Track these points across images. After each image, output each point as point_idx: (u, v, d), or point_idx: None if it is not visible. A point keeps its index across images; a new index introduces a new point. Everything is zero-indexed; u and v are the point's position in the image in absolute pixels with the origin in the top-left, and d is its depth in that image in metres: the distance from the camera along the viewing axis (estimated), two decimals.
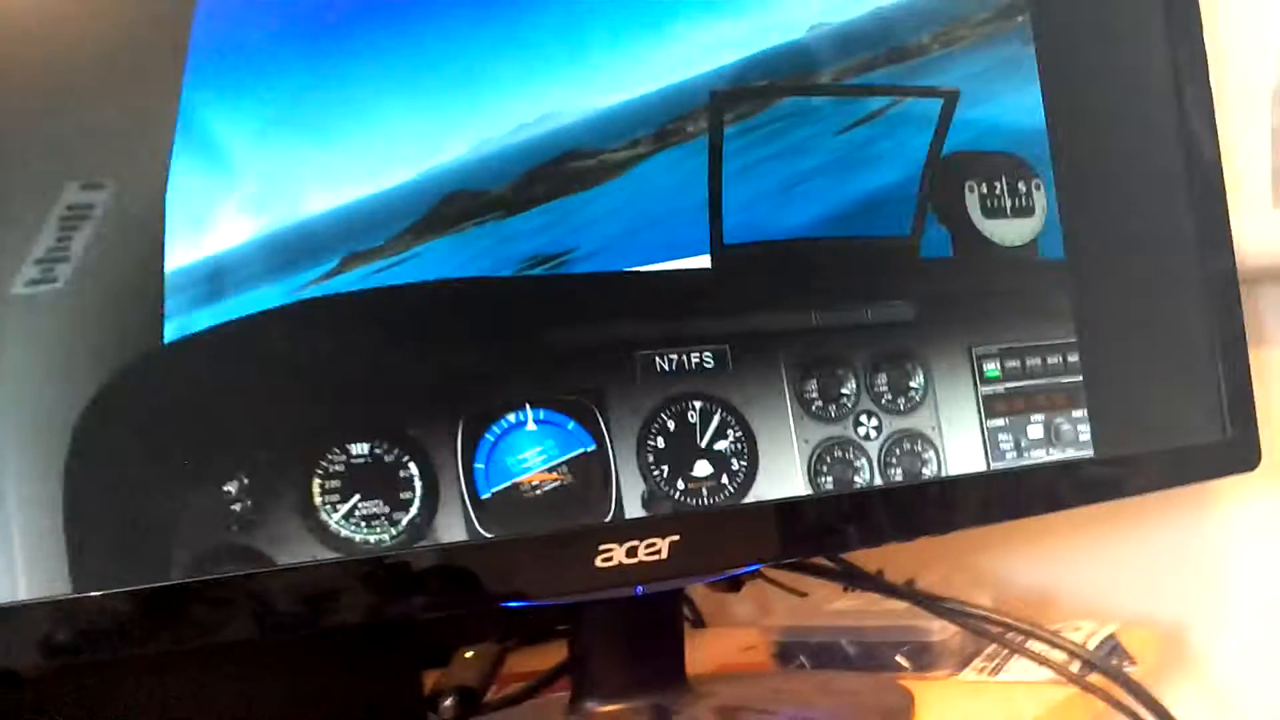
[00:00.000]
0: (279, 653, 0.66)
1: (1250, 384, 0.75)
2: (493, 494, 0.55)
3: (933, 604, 0.73)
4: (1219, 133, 0.77)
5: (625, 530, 0.58)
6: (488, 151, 0.56)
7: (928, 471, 0.65)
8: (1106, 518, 0.85)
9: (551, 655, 0.76)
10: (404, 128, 0.55)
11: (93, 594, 0.49)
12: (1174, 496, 0.83)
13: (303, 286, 0.52)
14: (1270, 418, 0.79)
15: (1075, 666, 0.69)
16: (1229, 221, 0.76)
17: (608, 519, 0.58)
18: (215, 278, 0.51)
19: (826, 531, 0.64)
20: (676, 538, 0.59)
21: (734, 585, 0.77)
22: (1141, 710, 0.69)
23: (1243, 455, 0.75)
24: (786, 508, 0.62)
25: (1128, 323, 0.72)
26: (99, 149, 0.50)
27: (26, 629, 0.48)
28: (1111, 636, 0.75)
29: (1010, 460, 0.67)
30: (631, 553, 0.58)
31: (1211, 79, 0.77)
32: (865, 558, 0.76)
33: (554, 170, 0.57)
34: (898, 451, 0.64)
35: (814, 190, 0.63)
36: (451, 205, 0.55)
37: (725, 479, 0.60)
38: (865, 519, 0.64)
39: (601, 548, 0.57)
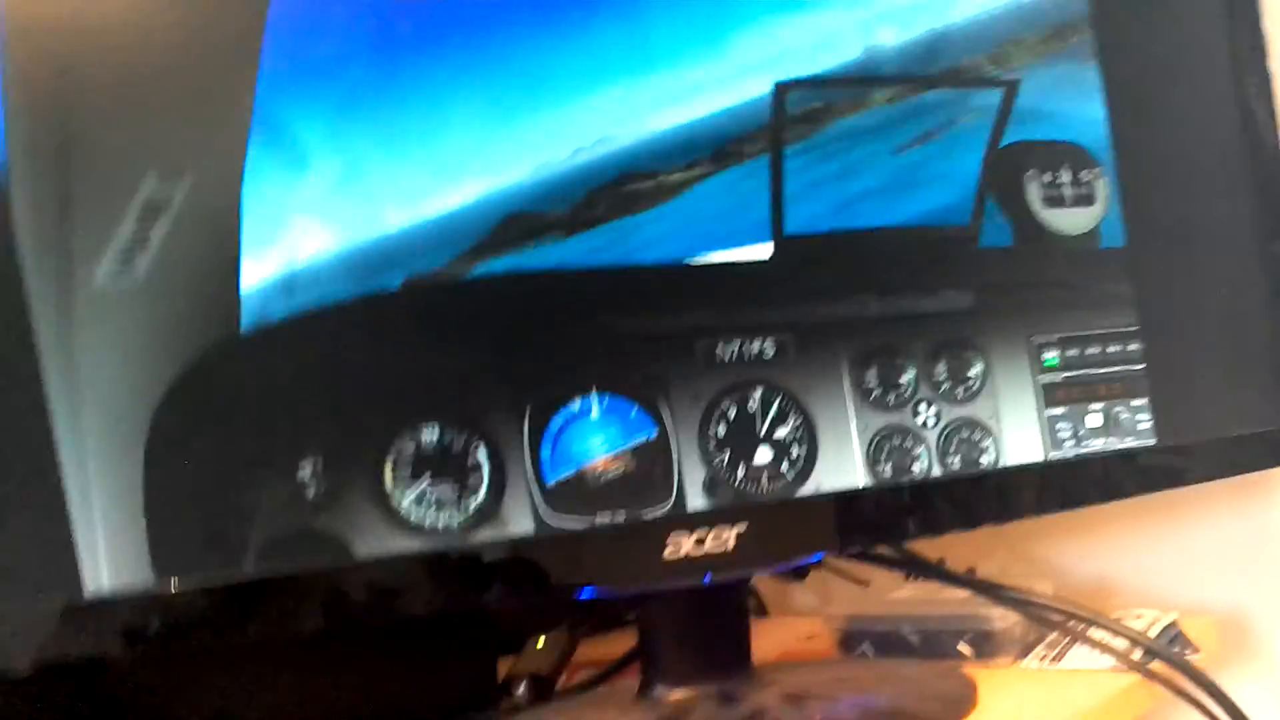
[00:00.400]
0: (354, 641, 0.67)
1: None
2: (558, 480, 0.57)
3: (994, 592, 0.73)
4: None
5: (693, 521, 0.59)
6: (546, 175, 0.57)
7: (985, 460, 0.66)
8: (1165, 506, 0.85)
9: (621, 643, 0.77)
10: (467, 147, 0.56)
11: (177, 588, 0.50)
12: (1233, 484, 0.83)
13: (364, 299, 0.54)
14: None
15: (1137, 654, 0.69)
16: None
17: (669, 505, 0.59)
18: (287, 285, 0.53)
19: (888, 521, 0.65)
20: (743, 528, 0.60)
21: (798, 574, 0.78)
22: (1204, 698, 0.69)
23: None
24: (849, 498, 0.63)
25: (1189, 311, 0.72)
26: (177, 144, 0.52)
27: (113, 620, 0.50)
28: (1173, 625, 0.75)
29: (1068, 449, 0.68)
30: (699, 543, 0.59)
31: (1272, 65, 0.77)
32: (926, 547, 0.76)
33: (612, 192, 0.58)
34: (956, 440, 0.65)
35: (873, 201, 0.64)
36: (511, 227, 0.57)
37: (785, 466, 0.62)
38: (926, 509, 0.65)
39: (670, 539, 0.59)
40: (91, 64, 0.50)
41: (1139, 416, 0.70)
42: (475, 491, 0.55)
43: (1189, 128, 0.74)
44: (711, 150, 0.61)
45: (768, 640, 0.81)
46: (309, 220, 0.53)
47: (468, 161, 0.56)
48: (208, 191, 0.52)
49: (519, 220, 0.57)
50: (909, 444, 0.64)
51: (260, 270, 0.52)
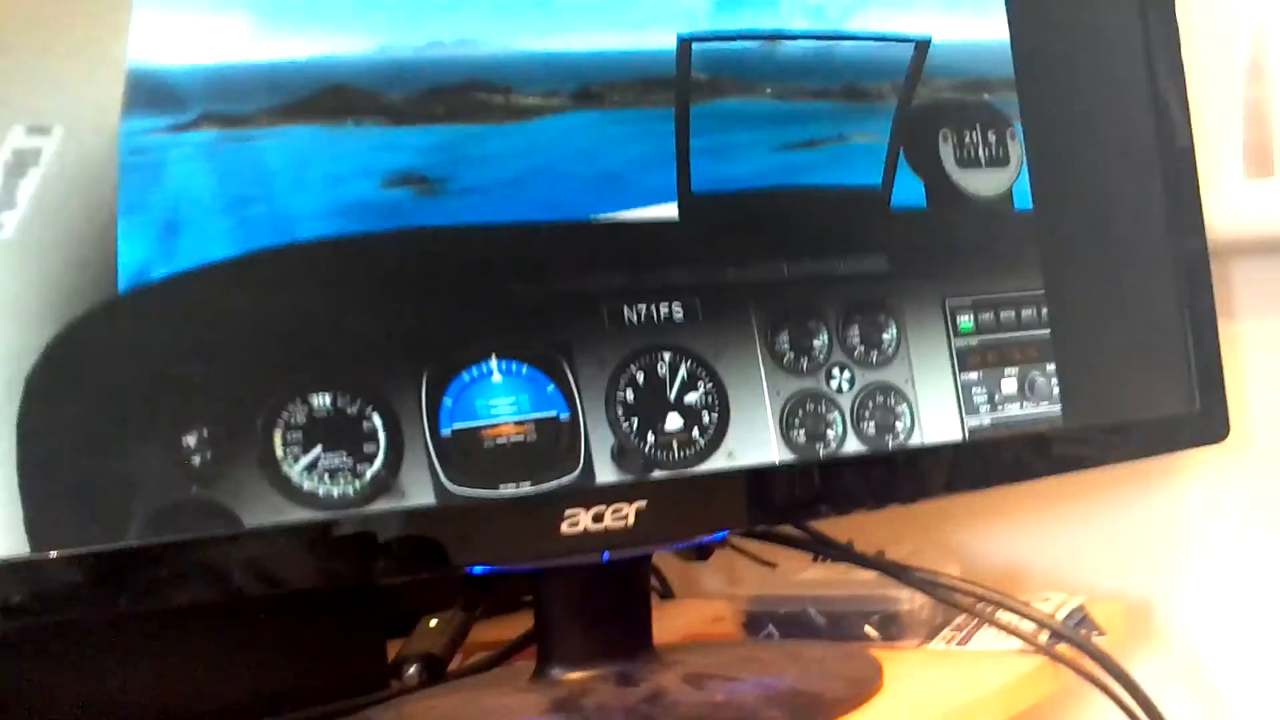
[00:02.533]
0: (239, 621, 0.66)
1: (1219, 356, 0.75)
2: (456, 440, 0.55)
3: (902, 573, 0.72)
4: (1192, 106, 0.76)
5: (592, 495, 0.57)
6: (393, 56, 0.54)
7: (900, 425, 0.65)
8: (1074, 492, 0.86)
9: (517, 626, 0.75)
10: (316, 12, 0.53)
11: (49, 555, 0.48)
12: (1141, 470, 0.83)
13: (152, 133, 0.50)
14: (1239, 390, 0.79)
15: (1043, 637, 0.69)
16: (1200, 194, 0.76)
17: (576, 473, 0.57)
18: (167, 242, 0.50)
19: (796, 499, 0.63)
20: (644, 504, 0.58)
21: (702, 554, 0.76)
22: (1109, 680, 0.69)
23: (1211, 427, 0.75)
24: (755, 475, 0.61)
25: (1096, 290, 0.72)
26: (45, 95, 0.49)
27: None
28: (1079, 608, 0.75)
29: (984, 414, 0.67)
30: (598, 518, 0.58)
31: (1185, 52, 0.77)
32: (835, 530, 0.76)
33: (457, 96, 0.56)
34: (870, 405, 0.64)
35: (782, 160, 0.63)
36: (334, 98, 0.54)
37: (696, 432, 0.60)
38: (834, 487, 0.64)
39: (568, 513, 0.57)
40: None
41: (1053, 382, 0.69)
42: (371, 460, 0.53)
43: (1101, 114, 0.74)
44: (576, 86, 0.58)
45: (672, 623, 0.80)
46: (189, 172, 0.50)
47: (304, 22, 0.53)
48: (81, 145, 0.49)
49: (345, 92, 0.54)
50: (823, 409, 0.63)
51: (138, 227, 0.50)
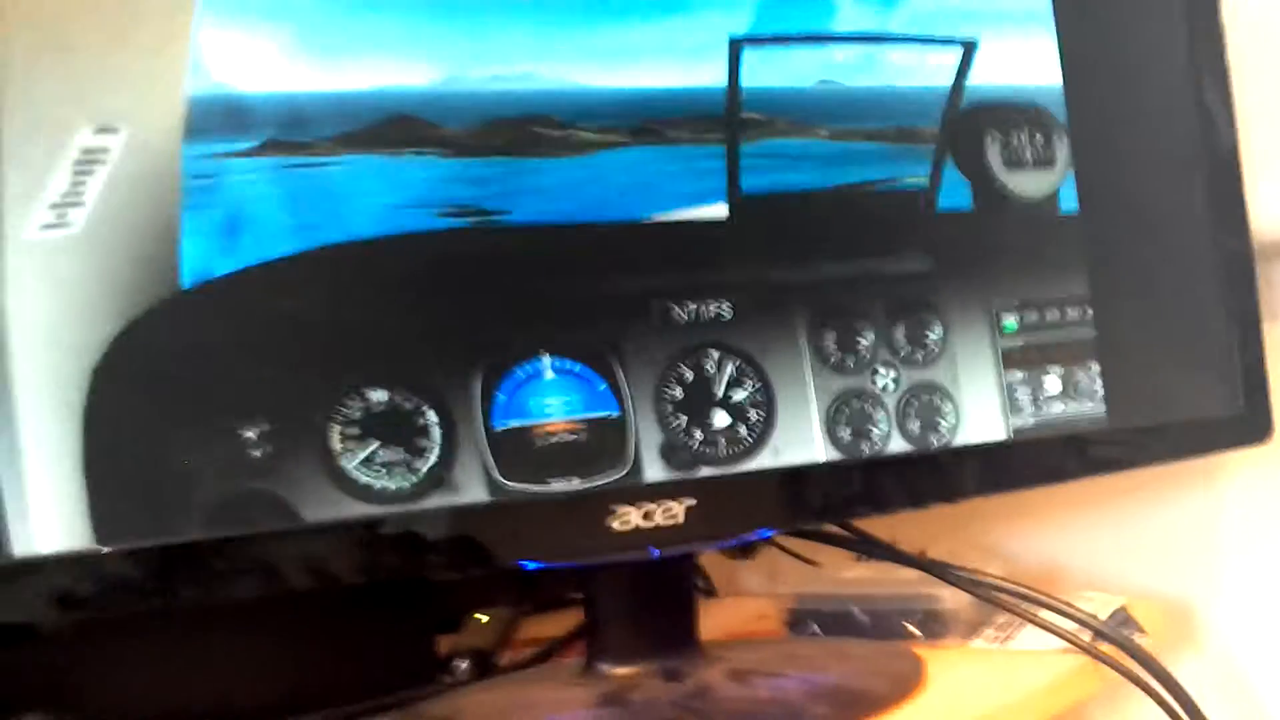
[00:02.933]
0: (290, 618, 0.66)
1: (1264, 357, 0.75)
2: (509, 436, 0.56)
3: (944, 572, 0.73)
4: (1238, 108, 0.76)
5: (642, 493, 0.58)
6: (455, 89, 0.55)
7: (944, 424, 0.65)
8: (1114, 492, 0.85)
9: (565, 623, 0.76)
10: (381, 42, 0.54)
11: (108, 550, 0.49)
12: (1183, 471, 0.83)
13: (214, 156, 0.51)
14: None
15: (1085, 636, 0.69)
16: (1245, 196, 0.76)
17: (625, 469, 0.58)
18: (230, 240, 0.51)
19: (840, 498, 0.64)
20: (692, 502, 0.59)
21: (747, 552, 0.77)
22: (1151, 680, 0.68)
23: (1255, 428, 0.75)
24: (801, 474, 0.62)
25: (1141, 291, 0.72)
26: (112, 95, 0.50)
27: (42, 583, 0.49)
28: (1121, 609, 0.75)
29: (1027, 414, 0.68)
30: (647, 516, 0.58)
31: (1230, 54, 0.77)
32: (877, 531, 0.76)
33: (516, 129, 0.57)
34: (915, 404, 0.65)
35: (831, 160, 0.63)
36: (396, 128, 0.55)
37: (744, 429, 0.61)
38: (877, 486, 0.64)
39: (618, 510, 0.58)
40: (22, 10, 0.48)
41: (1098, 382, 0.69)
42: (426, 455, 0.54)
43: (1145, 110, 0.74)
44: (634, 122, 0.59)
45: (715, 620, 0.80)
46: (250, 196, 0.52)
47: (374, 53, 0.54)
48: (147, 143, 0.50)
49: (408, 124, 0.55)
50: (868, 408, 0.64)
51: (202, 224, 0.51)
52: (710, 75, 0.60)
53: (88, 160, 0.49)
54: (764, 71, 0.61)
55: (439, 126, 0.55)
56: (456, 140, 0.56)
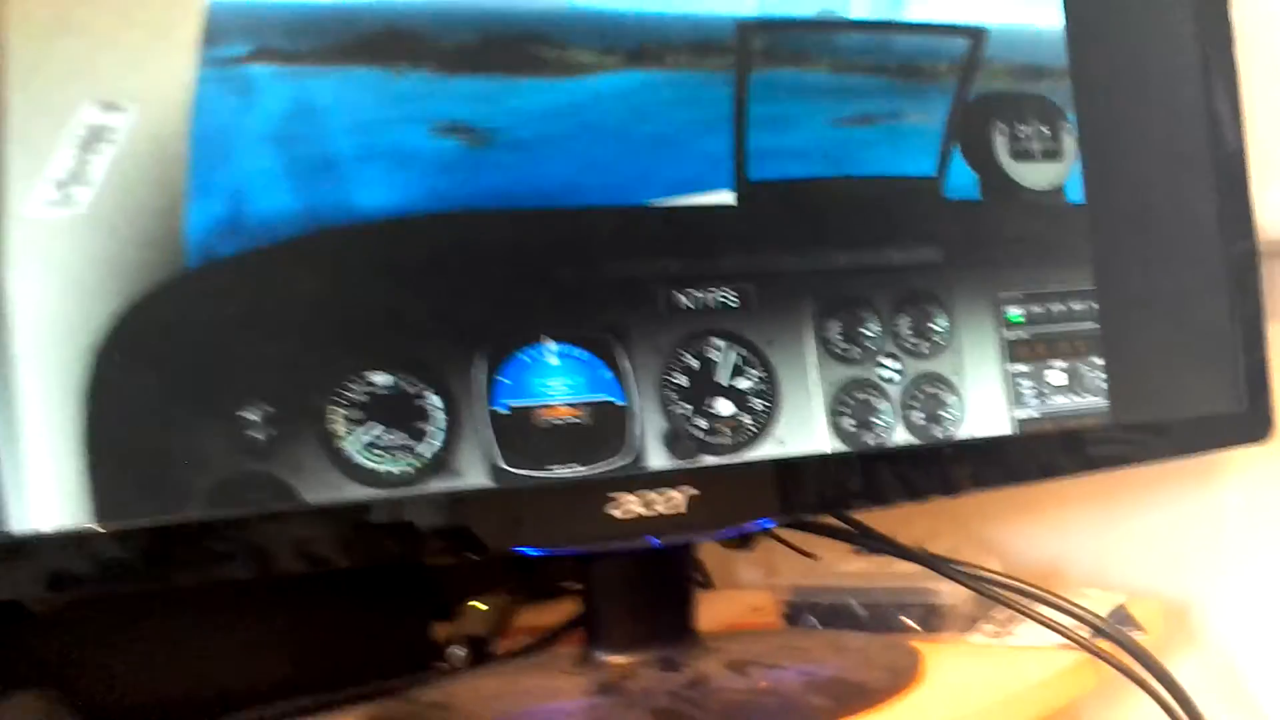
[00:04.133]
0: (288, 600, 0.67)
1: (1266, 356, 0.75)
2: (511, 421, 0.55)
3: (943, 566, 0.72)
4: (1245, 105, 0.76)
5: (641, 481, 0.58)
6: (449, 3, 0.55)
7: (948, 416, 0.65)
8: (1114, 490, 0.85)
9: (562, 611, 0.76)
10: None
11: (103, 528, 0.49)
12: (1182, 469, 0.83)
13: (215, 64, 0.51)
14: None
15: (1084, 633, 0.69)
16: (1250, 195, 0.76)
17: (629, 458, 0.58)
18: (236, 220, 0.51)
19: (842, 490, 0.64)
20: (693, 491, 0.59)
21: (745, 543, 0.77)
22: (1149, 678, 0.68)
23: (1257, 427, 0.75)
24: (801, 465, 0.62)
25: (1146, 287, 0.72)
26: (120, 73, 0.50)
27: (40, 562, 0.49)
28: (1120, 606, 0.75)
29: (1032, 406, 0.67)
30: (648, 505, 0.58)
31: (1239, 53, 0.76)
32: (877, 525, 0.76)
33: (511, 48, 0.56)
34: (919, 395, 0.64)
35: (838, 149, 0.63)
36: (388, 40, 0.54)
37: (748, 418, 0.60)
38: (878, 478, 0.64)
39: (618, 498, 0.58)
40: None
41: (1101, 376, 0.69)
42: (428, 439, 0.54)
43: (1153, 107, 0.74)
44: (632, 45, 0.58)
45: (713, 612, 0.80)
46: (260, 153, 0.51)
47: None
48: (154, 123, 0.50)
49: (400, 36, 0.54)
50: (872, 398, 0.63)
51: (209, 205, 0.51)
52: (715, 4, 0.60)
53: (94, 139, 0.49)
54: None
55: (432, 41, 0.55)
56: (449, 56, 0.55)
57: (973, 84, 0.67)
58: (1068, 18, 0.70)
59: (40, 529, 0.48)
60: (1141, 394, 0.71)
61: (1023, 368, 0.67)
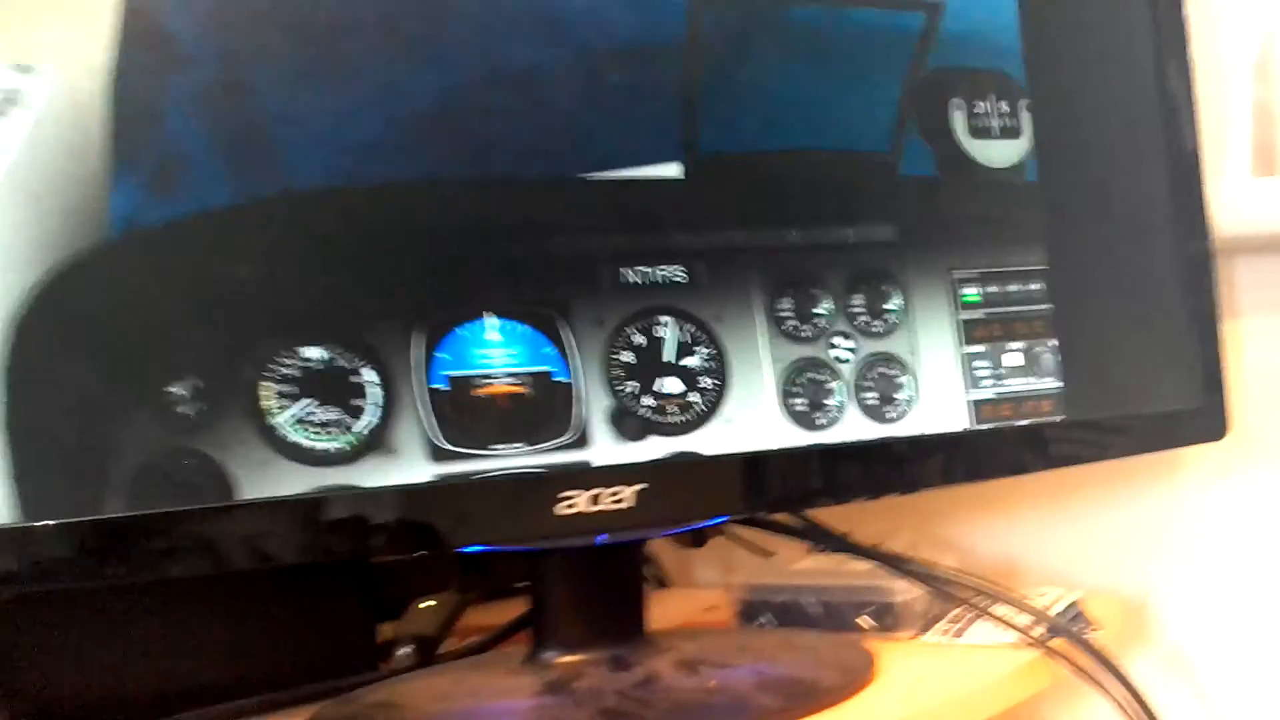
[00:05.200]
0: (231, 599, 0.66)
1: (1221, 353, 0.75)
2: (450, 396, 0.54)
3: (899, 565, 0.72)
4: (1200, 103, 0.76)
5: (590, 477, 0.57)
6: None
7: (901, 396, 0.64)
8: (1071, 487, 0.85)
9: (511, 611, 0.75)
10: None
11: (33, 524, 0.48)
12: (1139, 466, 0.83)
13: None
14: (1240, 387, 0.79)
15: (1038, 631, 0.69)
16: (1204, 192, 0.76)
17: (575, 437, 0.57)
18: (162, 188, 0.49)
19: (796, 486, 0.63)
20: (643, 486, 0.58)
21: (698, 540, 0.76)
22: (1104, 675, 0.68)
23: (1211, 424, 0.75)
24: (755, 460, 0.61)
25: (1100, 279, 0.72)
26: (32, 34, 0.48)
27: None
28: (1075, 603, 0.75)
29: (987, 388, 0.67)
30: (595, 499, 0.57)
31: (1193, 49, 0.76)
32: (833, 522, 0.75)
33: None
34: (872, 375, 0.63)
35: (791, 123, 0.62)
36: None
37: (695, 396, 0.59)
38: (835, 474, 0.63)
39: (564, 494, 0.56)
40: None
41: (1057, 358, 0.69)
42: (362, 414, 0.53)
43: (1107, 100, 0.74)
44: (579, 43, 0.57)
45: (667, 611, 0.80)
46: (185, 117, 0.50)
47: None
48: (71, 86, 0.48)
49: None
50: (824, 377, 0.62)
51: (132, 172, 0.49)
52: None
53: (7, 102, 0.47)
54: None
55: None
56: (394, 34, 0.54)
57: (927, 59, 0.66)
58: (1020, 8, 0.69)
59: None
60: (1096, 384, 0.71)
61: (979, 349, 0.66)
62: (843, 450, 0.63)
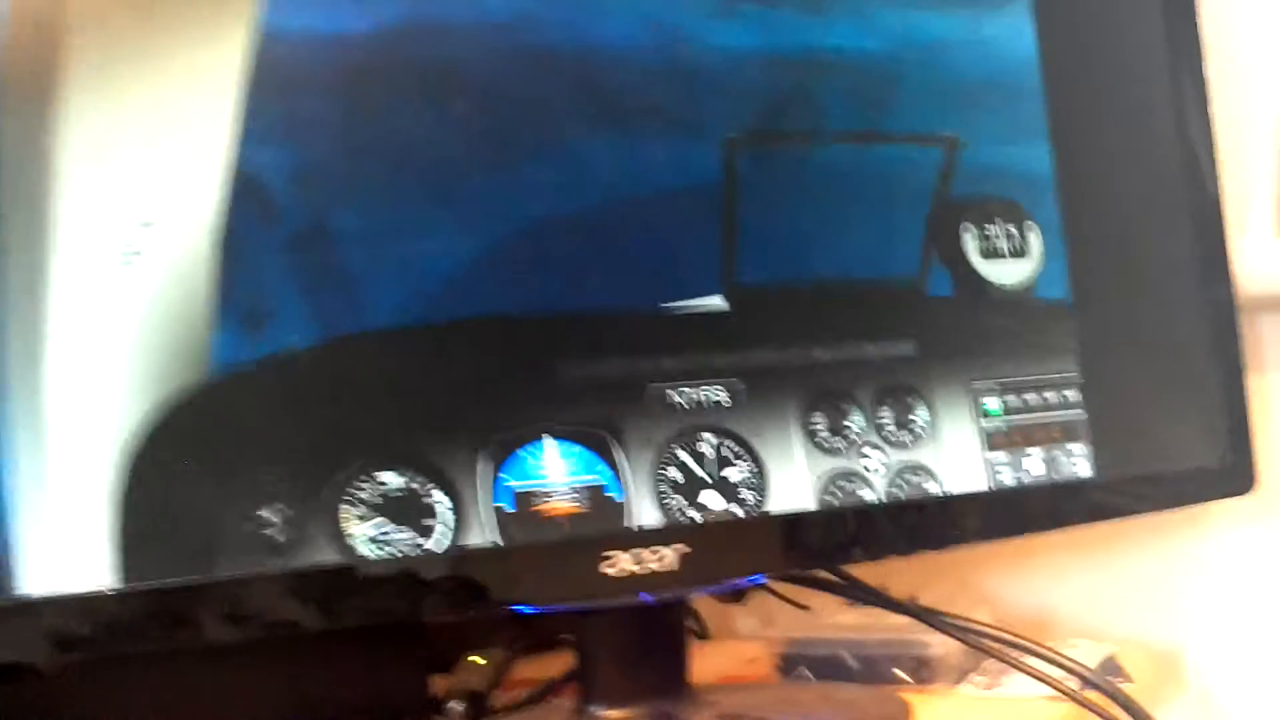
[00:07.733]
0: (287, 654, 0.67)
1: (1248, 410, 0.76)
2: (513, 516, 0.57)
3: (933, 618, 0.73)
4: (1222, 162, 0.78)
5: (633, 539, 0.59)
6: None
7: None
8: (1103, 540, 0.86)
9: (558, 664, 0.77)
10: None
11: (109, 590, 0.50)
12: (1170, 519, 0.84)
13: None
14: (1269, 443, 0.80)
15: (1073, 683, 0.70)
16: (1228, 251, 0.77)
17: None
18: (255, 330, 0.53)
19: (831, 544, 0.65)
20: (685, 548, 0.60)
21: (738, 596, 0.78)
22: None
23: (1239, 479, 0.76)
24: (792, 521, 0.63)
25: (1130, 355, 0.74)
26: (150, 191, 0.52)
27: (44, 622, 0.49)
28: (1109, 656, 0.76)
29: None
30: (639, 561, 0.59)
31: (1215, 107, 0.78)
32: (868, 576, 0.77)
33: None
34: (902, 484, 0.66)
35: (825, 235, 0.65)
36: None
37: (739, 510, 0.62)
38: (869, 533, 0.65)
39: (609, 555, 0.59)
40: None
41: (1076, 460, 0.71)
42: (432, 534, 0.56)
43: (1132, 174, 0.76)
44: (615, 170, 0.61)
45: (708, 663, 0.81)
46: (275, 265, 0.53)
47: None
48: (183, 239, 0.52)
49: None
50: (856, 487, 0.65)
51: (230, 315, 0.52)
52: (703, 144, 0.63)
53: (129, 254, 0.51)
54: None
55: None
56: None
57: (950, 188, 0.69)
58: (1045, 76, 0.72)
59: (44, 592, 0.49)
60: (1126, 451, 0.72)
61: (1001, 456, 0.69)
62: (878, 510, 0.65)
